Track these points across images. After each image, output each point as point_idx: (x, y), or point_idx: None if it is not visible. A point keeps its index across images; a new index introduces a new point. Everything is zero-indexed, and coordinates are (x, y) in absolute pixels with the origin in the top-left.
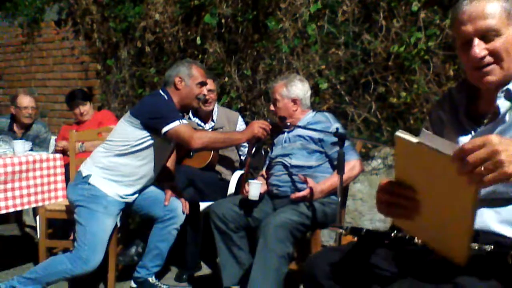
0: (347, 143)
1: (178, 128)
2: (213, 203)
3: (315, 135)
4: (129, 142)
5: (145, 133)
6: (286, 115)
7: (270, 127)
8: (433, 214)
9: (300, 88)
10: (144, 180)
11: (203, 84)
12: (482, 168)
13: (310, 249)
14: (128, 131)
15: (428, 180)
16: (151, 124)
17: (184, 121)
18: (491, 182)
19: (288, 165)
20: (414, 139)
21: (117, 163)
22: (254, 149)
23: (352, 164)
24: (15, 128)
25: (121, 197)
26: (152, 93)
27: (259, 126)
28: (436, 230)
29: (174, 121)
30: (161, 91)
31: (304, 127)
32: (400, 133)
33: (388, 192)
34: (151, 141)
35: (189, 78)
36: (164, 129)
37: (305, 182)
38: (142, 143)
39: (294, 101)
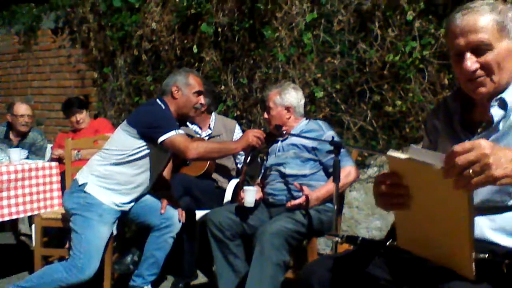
0: (342, 150)
1: (174, 138)
2: (209, 211)
3: (309, 143)
4: (125, 151)
5: (141, 143)
6: (280, 123)
7: (265, 135)
8: (433, 229)
9: (293, 96)
10: (140, 188)
11: (200, 93)
12: (471, 171)
13: (306, 257)
14: (124, 140)
15: (423, 194)
16: (148, 133)
17: (180, 131)
18: (478, 184)
19: (283, 174)
20: (403, 156)
21: (113, 171)
22: (249, 158)
23: (348, 170)
24: (11, 136)
25: (117, 205)
26: (149, 102)
27: (254, 135)
28: (439, 245)
29: (170, 130)
30: (158, 100)
31: (298, 135)
32: (391, 152)
33: (383, 183)
34: (148, 151)
35: (186, 87)
36: (160, 139)
37: (301, 190)
38: (139, 152)
39: (288, 109)
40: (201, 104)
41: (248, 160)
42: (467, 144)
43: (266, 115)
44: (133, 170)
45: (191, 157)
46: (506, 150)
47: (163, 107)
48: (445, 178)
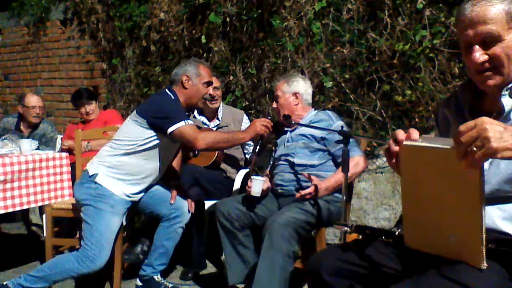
0: (350, 140)
1: (183, 128)
2: (218, 201)
3: (318, 133)
4: (135, 141)
5: (151, 133)
6: (288, 111)
7: (272, 124)
8: (444, 220)
9: (301, 84)
10: (150, 178)
11: (209, 84)
12: (474, 148)
13: (315, 247)
14: (134, 131)
15: (435, 183)
16: (157, 124)
17: (190, 121)
18: (481, 158)
19: (292, 164)
20: (416, 143)
21: (124, 161)
22: (258, 148)
23: (356, 160)
24: (22, 127)
25: (127, 196)
26: (159, 92)
27: (261, 124)
28: (449, 236)
29: (179, 121)
30: (167, 90)
31: (307, 125)
32: (405, 141)
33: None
34: (157, 141)
35: (197, 77)
36: (170, 129)
37: (310, 179)
38: (149, 142)
39: (295, 95)
40: (210, 94)
41: (257, 150)
42: (470, 122)
43: (274, 105)
44: (143, 160)
45: (199, 148)
46: (508, 126)
47: (173, 97)
48: (457, 159)
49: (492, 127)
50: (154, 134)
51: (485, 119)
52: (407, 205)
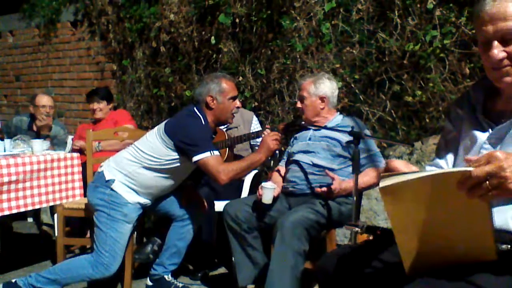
0: (377, 150)
1: (208, 160)
2: (226, 203)
3: (343, 139)
4: (159, 160)
5: (175, 155)
6: (313, 113)
7: (280, 135)
8: (449, 237)
9: (328, 86)
10: (163, 192)
11: (235, 97)
12: (488, 184)
13: (324, 248)
14: (160, 149)
15: (429, 210)
16: (183, 148)
17: (216, 152)
18: (495, 197)
19: (310, 163)
20: (392, 181)
21: (142, 174)
22: (272, 161)
23: (379, 171)
24: (35, 127)
25: (140, 204)
26: (189, 112)
27: (272, 140)
28: (456, 245)
29: (205, 151)
30: (196, 111)
31: (332, 129)
32: (385, 182)
33: None
34: (179, 164)
35: (221, 94)
36: (195, 158)
37: (332, 178)
38: (171, 164)
39: (322, 99)
40: (237, 107)
41: (272, 164)
42: (482, 157)
43: (299, 104)
44: (161, 177)
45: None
46: None
47: (202, 121)
48: (459, 190)
49: (509, 164)
50: (178, 157)
51: (499, 155)
52: (404, 243)
